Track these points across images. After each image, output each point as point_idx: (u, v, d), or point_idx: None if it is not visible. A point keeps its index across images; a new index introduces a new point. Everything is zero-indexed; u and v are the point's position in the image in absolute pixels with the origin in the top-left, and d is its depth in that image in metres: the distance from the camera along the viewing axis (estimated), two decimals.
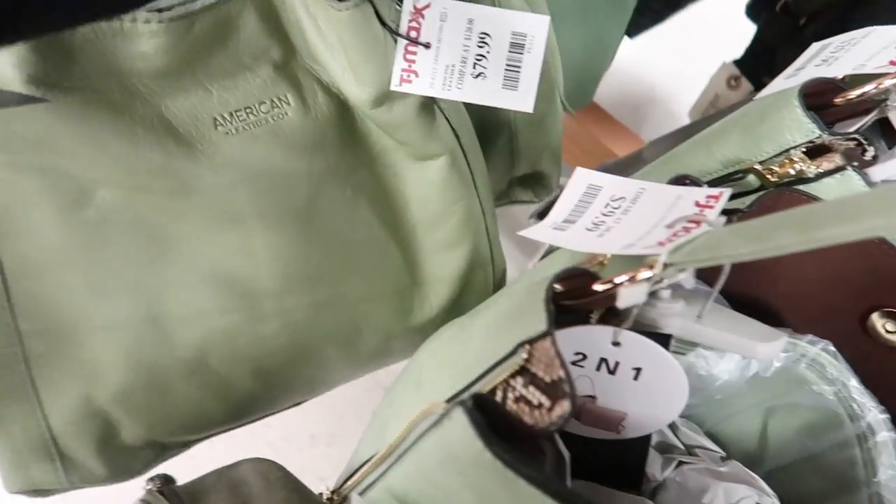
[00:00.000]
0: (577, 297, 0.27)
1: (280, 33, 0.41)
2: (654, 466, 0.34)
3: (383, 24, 0.40)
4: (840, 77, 0.31)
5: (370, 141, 0.45)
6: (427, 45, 0.41)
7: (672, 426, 0.36)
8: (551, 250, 0.40)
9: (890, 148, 0.32)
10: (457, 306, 0.51)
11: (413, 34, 0.41)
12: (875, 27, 0.32)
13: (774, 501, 0.32)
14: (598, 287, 0.26)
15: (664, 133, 1.11)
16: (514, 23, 0.41)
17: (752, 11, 0.78)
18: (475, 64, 0.41)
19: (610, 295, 0.26)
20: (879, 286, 0.30)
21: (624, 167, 0.70)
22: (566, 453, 0.28)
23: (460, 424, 0.21)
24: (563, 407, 0.23)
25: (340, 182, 0.45)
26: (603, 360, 0.29)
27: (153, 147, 0.40)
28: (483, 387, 0.26)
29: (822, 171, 0.31)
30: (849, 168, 0.30)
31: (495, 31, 0.41)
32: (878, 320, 0.31)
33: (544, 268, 0.35)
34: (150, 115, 0.40)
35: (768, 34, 0.74)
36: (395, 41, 0.40)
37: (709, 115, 0.73)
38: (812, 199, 0.30)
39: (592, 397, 0.30)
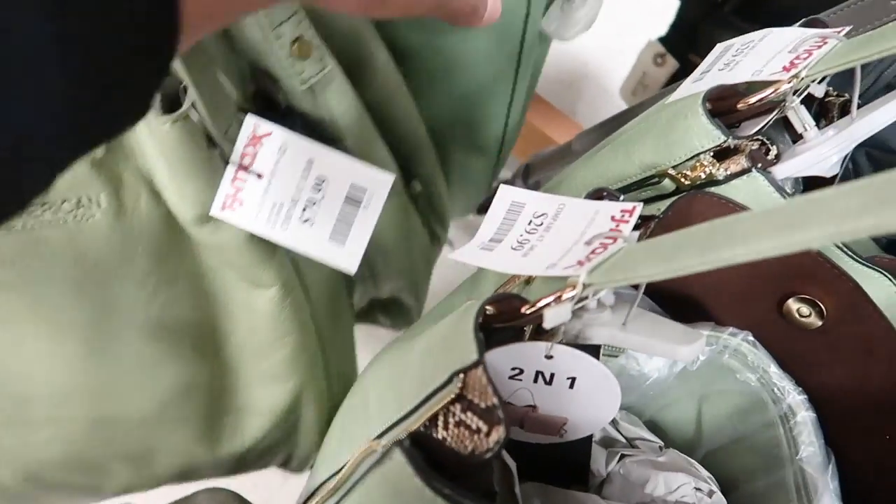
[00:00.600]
0: (508, 319, 0.29)
1: None
2: (599, 462, 0.36)
3: (212, 143, 0.36)
4: (740, 83, 0.33)
5: (196, 256, 0.42)
6: (259, 176, 0.38)
7: (613, 421, 0.38)
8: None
9: (794, 143, 0.35)
10: (277, 441, 0.48)
11: (246, 160, 0.38)
12: (772, 29, 0.34)
13: (711, 485, 0.34)
14: (525, 310, 0.28)
15: (597, 109, 1.14)
16: (357, 174, 0.38)
17: None
18: (305, 208, 0.38)
19: (538, 315, 0.28)
20: (791, 277, 0.33)
21: (555, 160, 0.72)
22: (512, 463, 0.30)
23: (399, 463, 0.23)
24: (499, 433, 0.25)
25: (148, 296, 0.41)
26: (539, 372, 0.31)
27: None
28: (422, 415, 0.28)
29: (730, 173, 0.33)
30: (753, 170, 0.32)
31: (335, 177, 0.38)
32: (793, 305, 0.33)
33: (474, 281, 0.37)
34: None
35: (690, 11, 0.76)
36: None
37: (634, 103, 0.76)
38: (724, 200, 0.32)
39: (534, 407, 0.32)
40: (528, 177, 0.71)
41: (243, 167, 0.37)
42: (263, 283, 0.43)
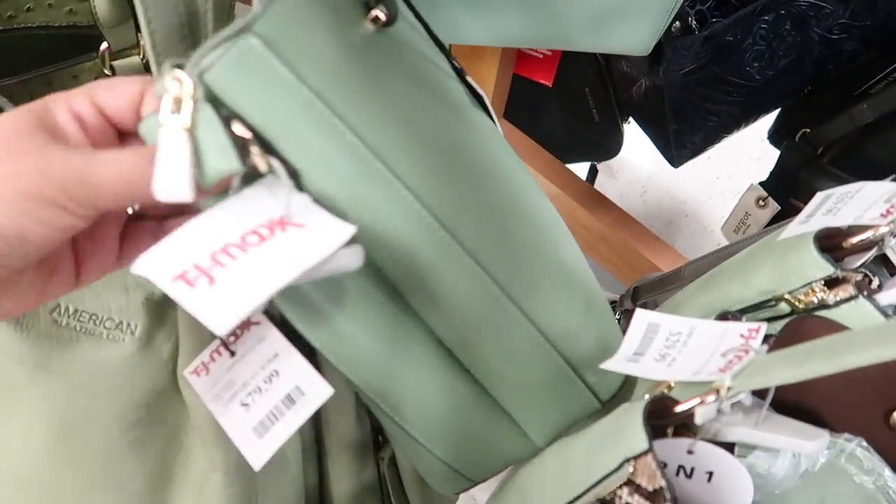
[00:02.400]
0: (660, 417, 0.36)
1: None
2: None
3: None
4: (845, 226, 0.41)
5: (184, 412, 0.45)
6: (232, 354, 0.41)
7: None
8: None
9: (891, 276, 0.42)
10: None
11: (230, 338, 0.41)
12: (866, 182, 0.43)
13: None
14: (678, 409, 0.35)
15: (696, 243, 1.22)
16: (306, 380, 0.39)
17: (774, 138, 0.90)
18: (250, 393, 0.40)
19: (688, 414, 0.35)
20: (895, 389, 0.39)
21: (665, 284, 0.80)
22: None
23: None
24: None
25: (129, 424, 0.45)
26: (681, 466, 0.37)
27: None
28: (588, 500, 0.34)
29: (839, 298, 0.40)
30: (860, 296, 0.40)
31: (286, 375, 0.40)
32: None
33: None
34: None
35: (790, 160, 0.85)
36: None
37: (737, 240, 0.83)
38: (831, 322, 0.39)
39: (675, 499, 0.39)
40: (637, 298, 0.78)
41: (225, 343, 0.41)
42: (215, 464, 0.46)
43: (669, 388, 0.38)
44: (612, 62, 0.97)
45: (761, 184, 0.91)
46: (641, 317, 0.42)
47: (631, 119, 1.03)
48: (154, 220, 0.38)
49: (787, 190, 0.86)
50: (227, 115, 0.32)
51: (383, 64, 0.37)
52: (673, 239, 1.25)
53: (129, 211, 0.37)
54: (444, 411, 0.44)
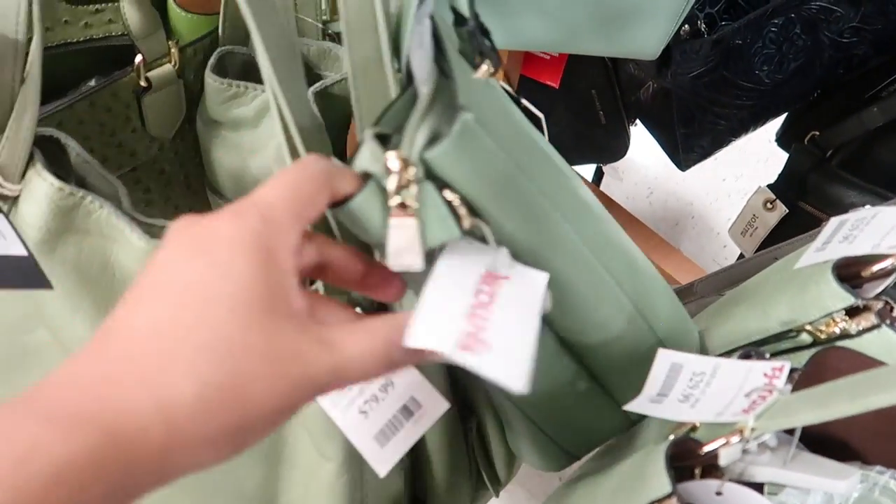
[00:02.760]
0: (684, 459, 0.36)
1: None
2: None
3: None
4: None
5: None
6: None
7: None
8: None
9: None
10: None
11: None
12: (880, 207, 0.42)
13: None
14: (703, 451, 0.35)
15: (702, 245, 1.22)
16: (420, 390, 0.42)
17: (782, 140, 0.90)
18: (367, 400, 0.42)
19: (713, 455, 0.35)
20: None
21: (679, 298, 0.80)
22: None
23: None
24: None
25: None
26: None
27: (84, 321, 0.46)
28: None
29: (861, 328, 0.40)
30: (883, 325, 0.40)
31: (400, 385, 0.43)
32: None
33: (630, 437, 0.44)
34: (109, 298, 0.48)
35: (798, 163, 0.85)
36: None
37: (742, 243, 0.83)
38: (856, 354, 0.39)
39: None
40: None
41: None
42: (327, 454, 0.48)
43: (694, 428, 0.38)
44: (619, 64, 0.96)
45: (769, 186, 0.91)
46: (664, 357, 0.42)
47: (637, 121, 1.03)
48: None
49: (796, 193, 0.85)
50: (440, 186, 0.34)
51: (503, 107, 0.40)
52: (679, 241, 1.25)
53: None
54: (553, 389, 0.44)
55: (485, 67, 0.37)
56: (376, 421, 0.42)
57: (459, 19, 0.38)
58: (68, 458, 0.24)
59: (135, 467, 0.25)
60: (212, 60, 0.58)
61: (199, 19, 0.62)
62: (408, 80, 0.35)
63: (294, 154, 0.38)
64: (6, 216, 0.46)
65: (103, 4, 0.58)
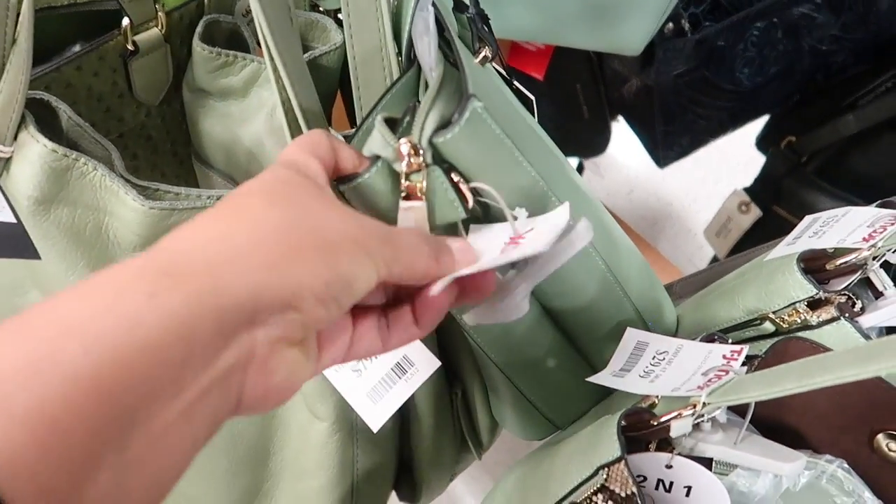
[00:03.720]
0: (638, 429, 0.37)
1: None
2: None
3: None
4: (828, 248, 0.42)
5: None
6: None
7: None
8: None
9: (876, 298, 0.43)
10: None
11: None
12: (851, 207, 0.44)
13: None
14: (655, 422, 0.36)
15: (679, 245, 1.23)
16: (412, 349, 0.43)
17: (761, 144, 0.91)
18: (360, 360, 0.43)
19: (664, 427, 0.36)
20: (878, 413, 0.40)
21: None
22: None
23: None
24: None
25: None
26: (660, 480, 0.38)
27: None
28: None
29: (821, 319, 0.41)
30: (842, 318, 0.41)
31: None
32: (882, 440, 0.41)
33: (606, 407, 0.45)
34: (103, 260, 0.48)
35: (774, 167, 0.87)
36: None
37: (716, 244, 0.84)
38: (815, 345, 0.40)
39: None
40: None
41: None
42: (320, 414, 0.49)
43: (654, 404, 0.39)
44: (604, 60, 0.97)
45: (746, 189, 0.92)
46: (631, 335, 0.42)
47: (619, 117, 1.04)
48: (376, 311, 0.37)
49: (771, 196, 0.87)
50: (447, 169, 0.35)
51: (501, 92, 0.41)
52: (656, 240, 1.27)
53: None
54: (535, 354, 0.46)
55: (484, 53, 0.38)
56: (369, 379, 0.43)
57: (459, 5, 0.38)
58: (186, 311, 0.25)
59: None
60: (199, 28, 0.58)
61: None
62: (408, 64, 0.36)
63: (293, 123, 0.39)
64: None
65: None
